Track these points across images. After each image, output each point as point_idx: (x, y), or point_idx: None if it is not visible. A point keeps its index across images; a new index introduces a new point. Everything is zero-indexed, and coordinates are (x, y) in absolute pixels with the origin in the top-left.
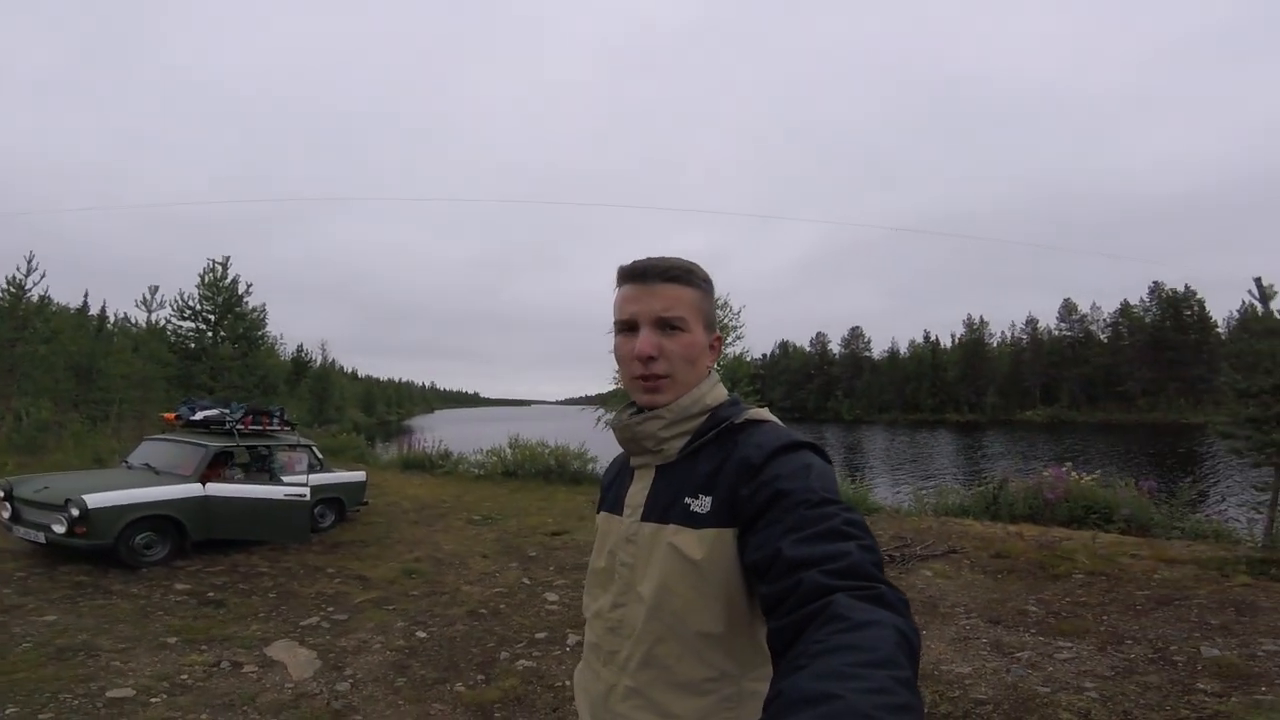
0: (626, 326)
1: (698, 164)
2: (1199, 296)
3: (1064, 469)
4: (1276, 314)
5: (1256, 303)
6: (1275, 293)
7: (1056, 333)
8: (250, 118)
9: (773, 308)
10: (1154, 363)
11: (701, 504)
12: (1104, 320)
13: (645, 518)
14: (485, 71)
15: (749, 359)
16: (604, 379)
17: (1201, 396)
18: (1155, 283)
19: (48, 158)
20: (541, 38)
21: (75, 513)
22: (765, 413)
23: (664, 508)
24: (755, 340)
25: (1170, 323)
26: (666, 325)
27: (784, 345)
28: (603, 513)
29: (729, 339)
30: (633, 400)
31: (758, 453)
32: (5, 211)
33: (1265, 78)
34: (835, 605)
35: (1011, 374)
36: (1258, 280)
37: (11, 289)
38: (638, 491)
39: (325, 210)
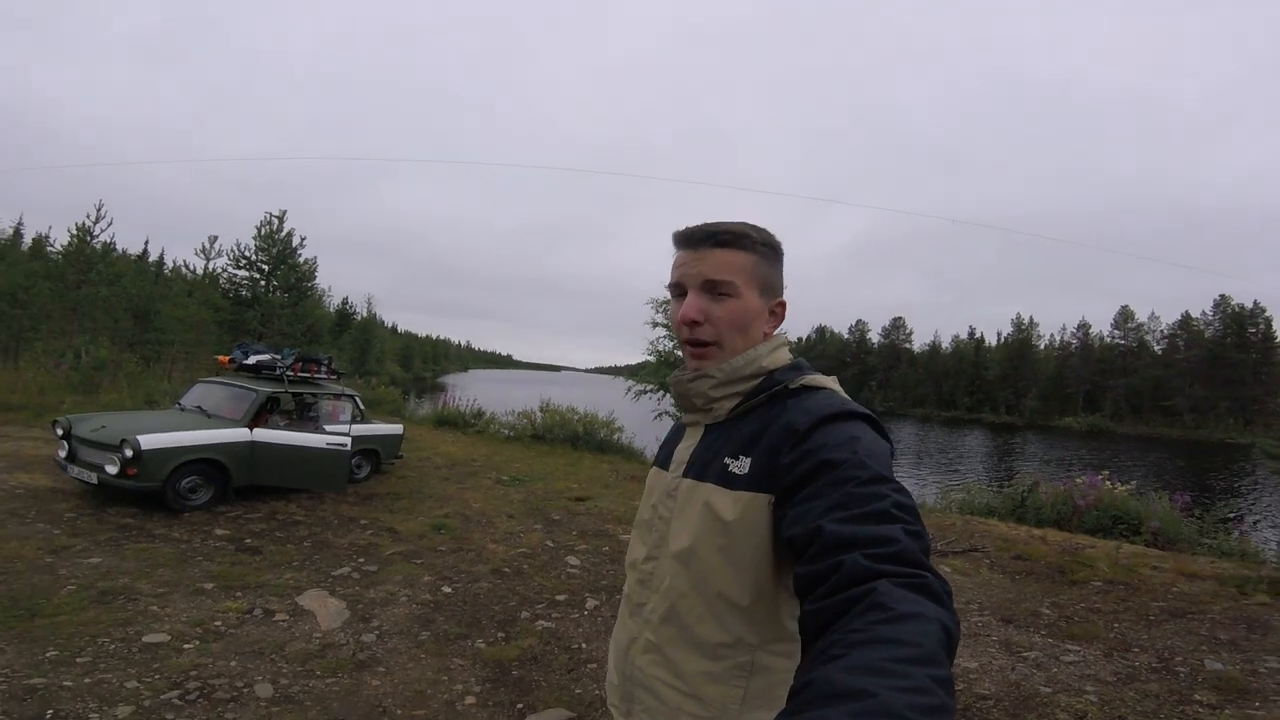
0: (678, 291)
1: (756, 143)
2: (1267, 314)
3: (1099, 477)
4: None
5: None
6: None
7: (1109, 340)
8: (323, 85)
9: (816, 292)
10: (1208, 379)
11: (740, 465)
12: (1161, 331)
13: (686, 473)
14: (548, 45)
15: (786, 340)
16: (634, 350)
17: (1254, 417)
18: (1221, 296)
19: (134, 114)
20: (607, 13)
21: (129, 453)
22: (826, 379)
23: (704, 465)
24: (794, 323)
25: (1232, 339)
26: (714, 290)
27: (822, 330)
28: (654, 468)
29: None
30: None
31: (805, 418)
32: (79, 163)
33: None
34: (878, 593)
35: (1056, 378)
36: None
37: (79, 234)
38: (685, 448)
39: (383, 172)
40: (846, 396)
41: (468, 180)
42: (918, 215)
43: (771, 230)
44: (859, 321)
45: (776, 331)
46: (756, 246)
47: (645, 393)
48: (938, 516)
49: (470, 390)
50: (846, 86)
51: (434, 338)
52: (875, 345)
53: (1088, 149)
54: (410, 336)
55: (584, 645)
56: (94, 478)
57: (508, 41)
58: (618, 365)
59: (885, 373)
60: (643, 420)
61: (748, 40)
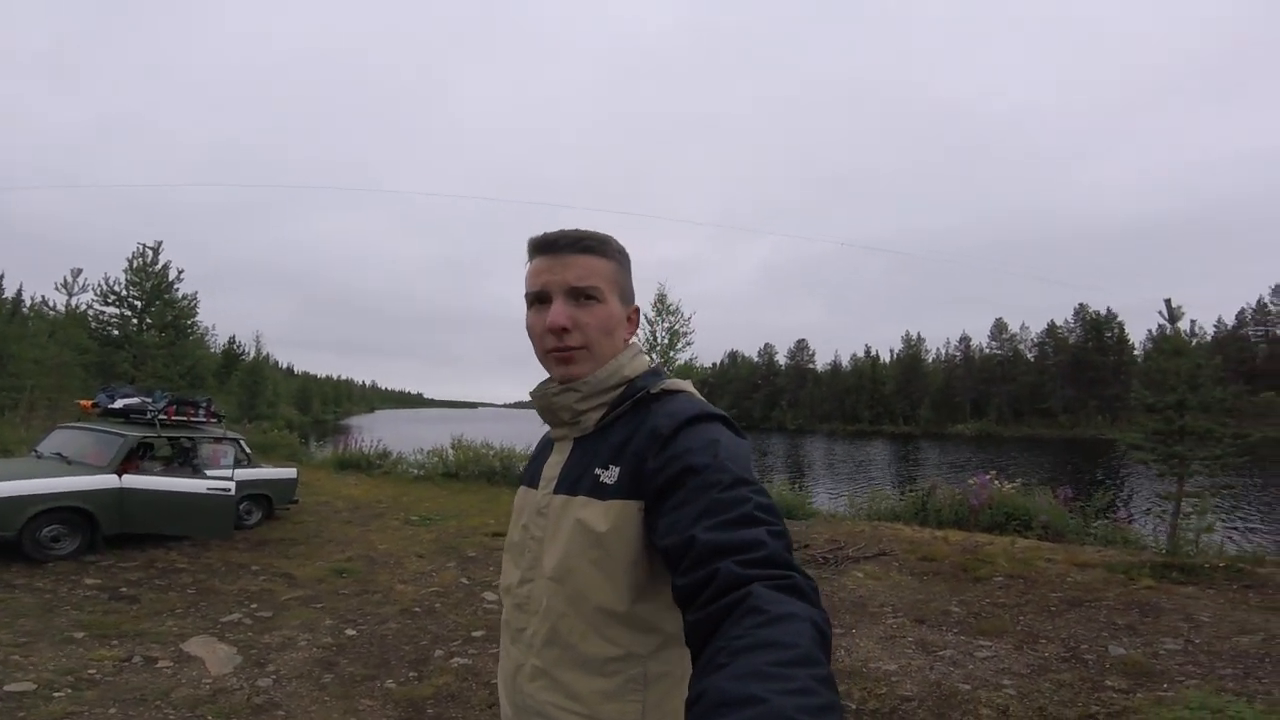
0: (538, 299)
1: (670, 174)
2: (1119, 320)
3: (988, 477)
4: (1182, 334)
5: (1165, 324)
6: (1183, 314)
7: (988, 351)
8: (225, 109)
9: (726, 318)
10: (1076, 381)
11: (610, 474)
12: (1031, 340)
13: (558, 490)
14: (472, 76)
15: (699, 366)
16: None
17: (1119, 414)
18: (1080, 304)
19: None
20: (534, 45)
21: None
22: (683, 383)
23: (576, 479)
24: (706, 349)
25: (1092, 343)
26: (580, 296)
27: (734, 355)
28: (522, 487)
29: (679, 345)
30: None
31: (668, 422)
32: None
33: (1203, 119)
34: (753, 597)
35: (944, 389)
36: (1167, 301)
37: None
38: (554, 464)
39: (283, 202)
40: (703, 399)
41: (377, 211)
42: (814, 240)
43: (689, 259)
44: (767, 345)
45: (631, 340)
46: (615, 255)
47: None
48: (848, 524)
49: (377, 431)
50: (763, 119)
51: (336, 378)
52: (783, 367)
53: (965, 173)
54: (308, 377)
55: (502, 698)
56: None
57: (429, 65)
58: None
59: (794, 392)
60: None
61: (666, 78)
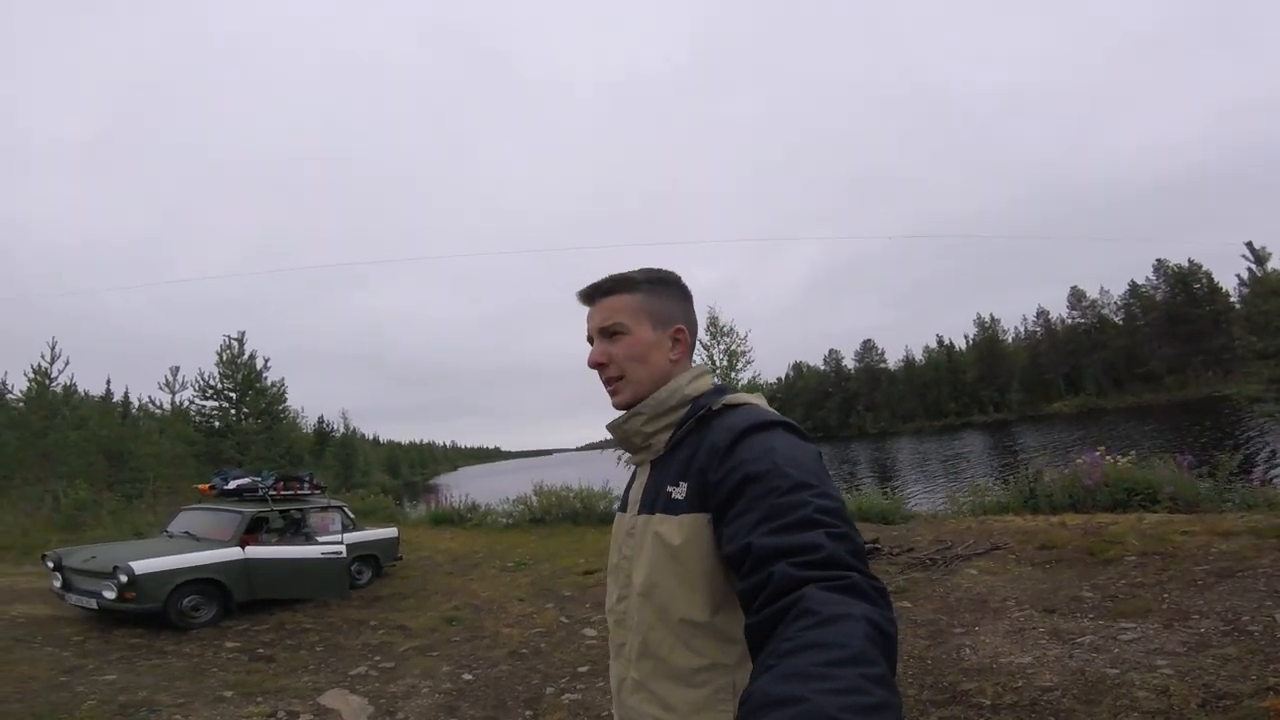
0: (589, 343)
1: (697, 199)
2: (1205, 269)
3: (1097, 454)
4: (1275, 274)
5: (1254, 267)
6: (1269, 254)
7: (1069, 321)
8: (256, 198)
9: (782, 331)
10: (1174, 338)
11: (679, 491)
12: (1115, 303)
13: (640, 510)
14: (486, 138)
15: (763, 383)
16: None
17: (1230, 367)
18: (1159, 260)
19: (78, 237)
20: (539, 98)
21: (124, 579)
22: (746, 396)
23: (653, 499)
24: (768, 365)
25: (1182, 297)
26: (609, 334)
27: (797, 366)
28: (618, 514)
29: (739, 365)
30: None
31: (725, 435)
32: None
33: (1223, 67)
34: (806, 599)
35: (1031, 367)
36: (1249, 244)
37: (37, 377)
38: (638, 488)
39: (337, 283)
40: (767, 409)
41: (431, 279)
42: (859, 238)
43: (732, 279)
44: (832, 351)
45: (699, 361)
46: (641, 285)
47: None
48: (952, 523)
49: (462, 486)
50: (778, 126)
51: (418, 443)
52: (852, 371)
53: (1006, 146)
54: (394, 445)
55: (614, 712)
56: (94, 603)
57: (446, 135)
58: (608, 438)
59: (868, 395)
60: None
61: (679, 96)
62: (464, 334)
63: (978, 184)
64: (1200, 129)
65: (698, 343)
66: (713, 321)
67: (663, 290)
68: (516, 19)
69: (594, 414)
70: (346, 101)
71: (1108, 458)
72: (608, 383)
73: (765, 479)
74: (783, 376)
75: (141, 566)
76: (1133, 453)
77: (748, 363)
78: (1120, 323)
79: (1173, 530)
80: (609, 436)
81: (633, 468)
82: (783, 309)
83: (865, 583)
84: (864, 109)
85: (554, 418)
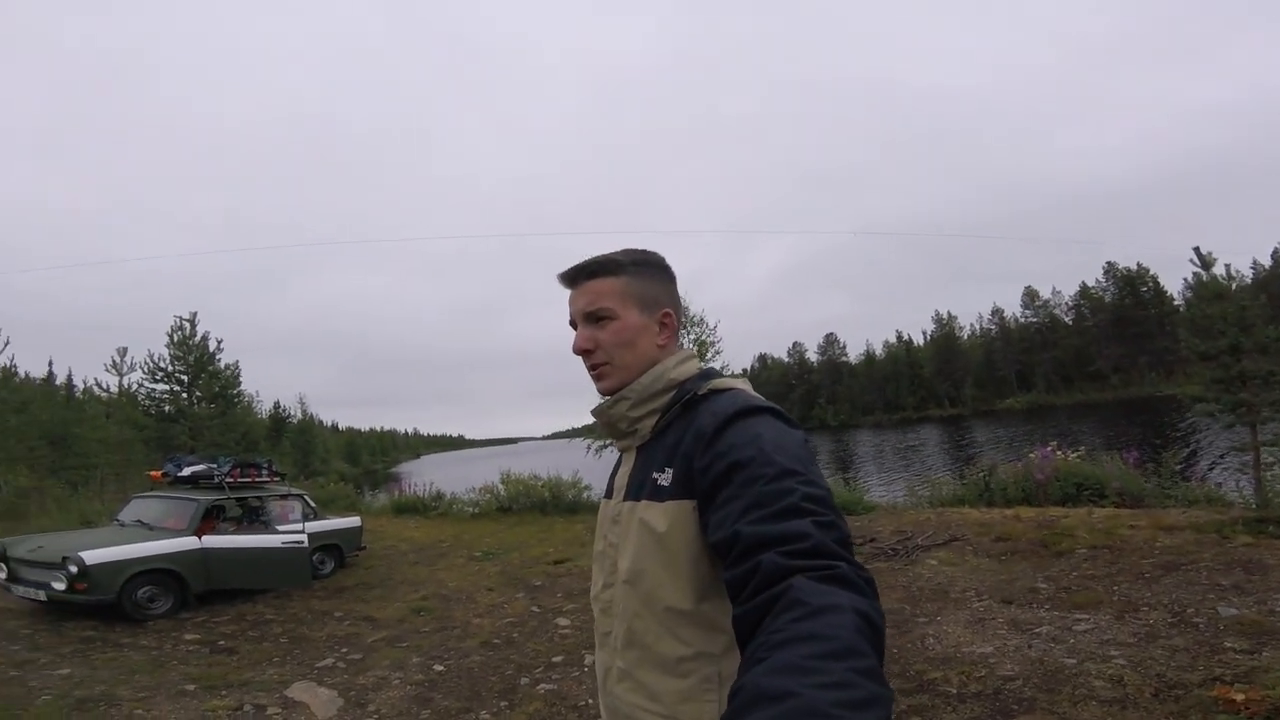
0: (571, 327)
1: (666, 191)
2: (1152, 273)
3: (1049, 449)
4: (1219, 279)
5: (1199, 271)
6: (1215, 260)
7: (1023, 320)
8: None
9: (749, 323)
10: (1121, 339)
11: (665, 477)
12: (1066, 304)
13: (626, 497)
14: (463, 111)
15: (729, 373)
16: (588, 410)
17: (1172, 368)
18: (1109, 263)
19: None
20: (520, 75)
21: (74, 569)
22: (733, 381)
23: (639, 485)
24: (735, 355)
25: (1129, 300)
26: (595, 318)
27: (763, 358)
28: (602, 500)
29: (708, 355)
30: None
31: (712, 420)
32: None
33: (1175, 76)
34: (794, 589)
35: (985, 364)
36: (1196, 250)
37: None
38: (623, 474)
39: (300, 263)
40: (754, 393)
41: (391, 264)
42: (823, 233)
43: (702, 270)
44: (795, 344)
45: (684, 345)
46: (627, 268)
47: (606, 446)
48: (911, 514)
49: (426, 475)
50: (751, 126)
51: (379, 430)
52: (815, 364)
53: (962, 147)
54: (354, 432)
55: (590, 701)
56: (43, 595)
57: (408, 111)
58: (576, 427)
59: (830, 388)
60: (608, 474)
61: (661, 90)
62: (427, 322)
63: (940, 184)
64: (1155, 135)
65: None
66: (683, 311)
67: (648, 273)
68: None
69: (561, 401)
70: (312, 79)
71: (1058, 453)
72: (593, 369)
73: (751, 465)
74: (748, 367)
75: (92, 556)
76: (1082, 448)
77: (716, 353)
78: (1070, 323)
79: (1120, 524)
80: (576, 425)
81: (618, 453)
82: (750, 301)
83: (853, 572)
84: (832, 108)
85: (520, 406)
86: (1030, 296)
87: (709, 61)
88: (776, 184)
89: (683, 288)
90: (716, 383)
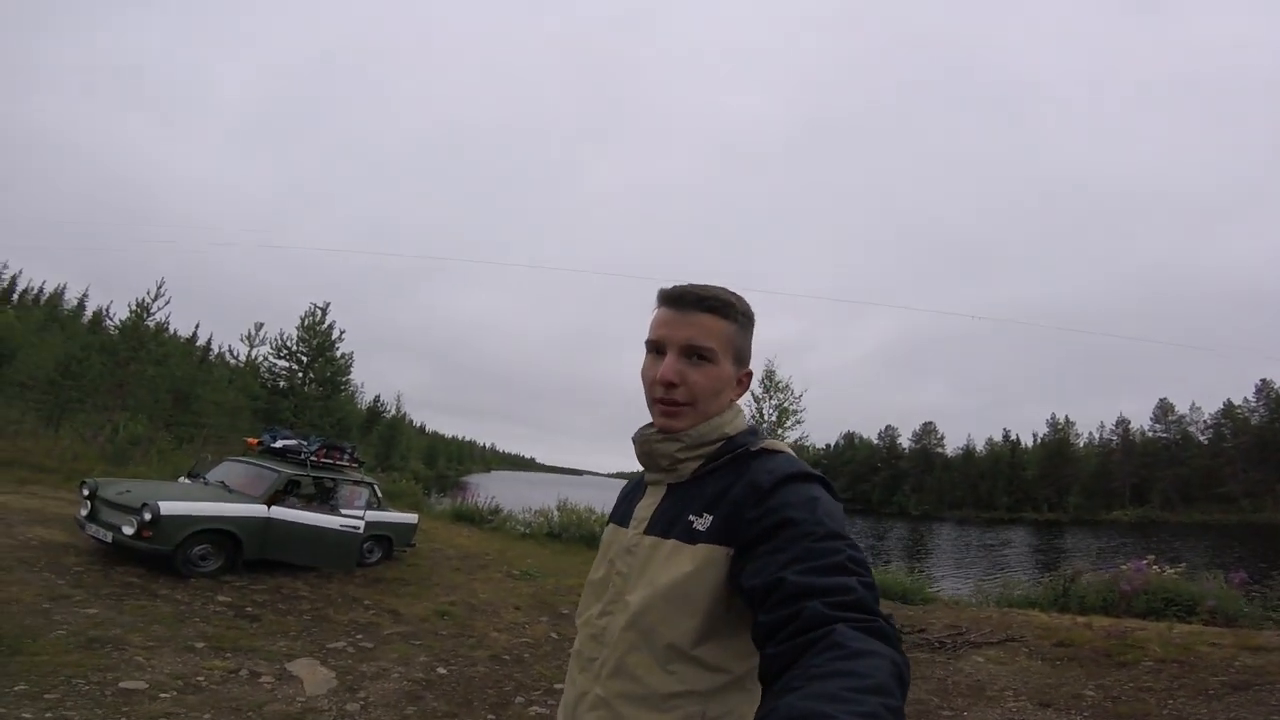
0: (655, 348)
1: (783, 252)
2: None
3: (1144, 561)
4: None
5: None
6: None
7: (1150, 434)
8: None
9: (843, 399)
10: (1262, 463)
11: (703, 522)
12: (1204, 421)
13: (649, 531)
14: (598, 159)
15: (810, 446)
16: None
17: None
18: (1263, 380)
19: (221, 189)
20: (654, 131)
21: (148, 516)
22: (782, 444)
23: (668, 523)
24: (819, 429)
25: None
26: (694, 354)
27: (850, 436)
28: (611, 525)
29: (788, 422)
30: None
31: (768, 478)
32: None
33: None
34: (835, 634)
35: (1099, 474)
36: None
37: (137, 310)
38: (647, 506)
39: (429, 272)
40: (802, 460)
41: (510, 284)
42: (941, 314)
43: (807, 338)
44: (888, 427)
45: (741, 401)
46: (737, 316)
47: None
48: (972, 610)
49: (491, 489)
50: (879, 195)
51: (460, 438)
52: (906, 450)
53: (1110, 241)
54: (437, 436)
55: None
56: (109, 537)
57: (555, 154)
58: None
59: (918, 477)
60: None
61: (785, 161)
62: (529, 345)
63: (1078, 277)
64: None
65: (749, 393)
66: (769, 375)
67: (749, 328)
68: (644, 57)
69: (628, 442)
70: (483, 116)
71: (1154, 567)
72: (669, 404)
73: (803, 524)
74: (832, 443)
75: (168, 507)
76: (1183, 564)
77: (797, 422)
78: (1205, 442)
79: (1201, 641)
80: (640, 469)
81: (635, 480)
82: (846, 376)
83: (887, 628)
84: (972, 186)
85: (591, 440)
86: (1164, 409)
87: (849, 130)
88: (901, 257)
89: (774, 351)
90: (769, 443)
